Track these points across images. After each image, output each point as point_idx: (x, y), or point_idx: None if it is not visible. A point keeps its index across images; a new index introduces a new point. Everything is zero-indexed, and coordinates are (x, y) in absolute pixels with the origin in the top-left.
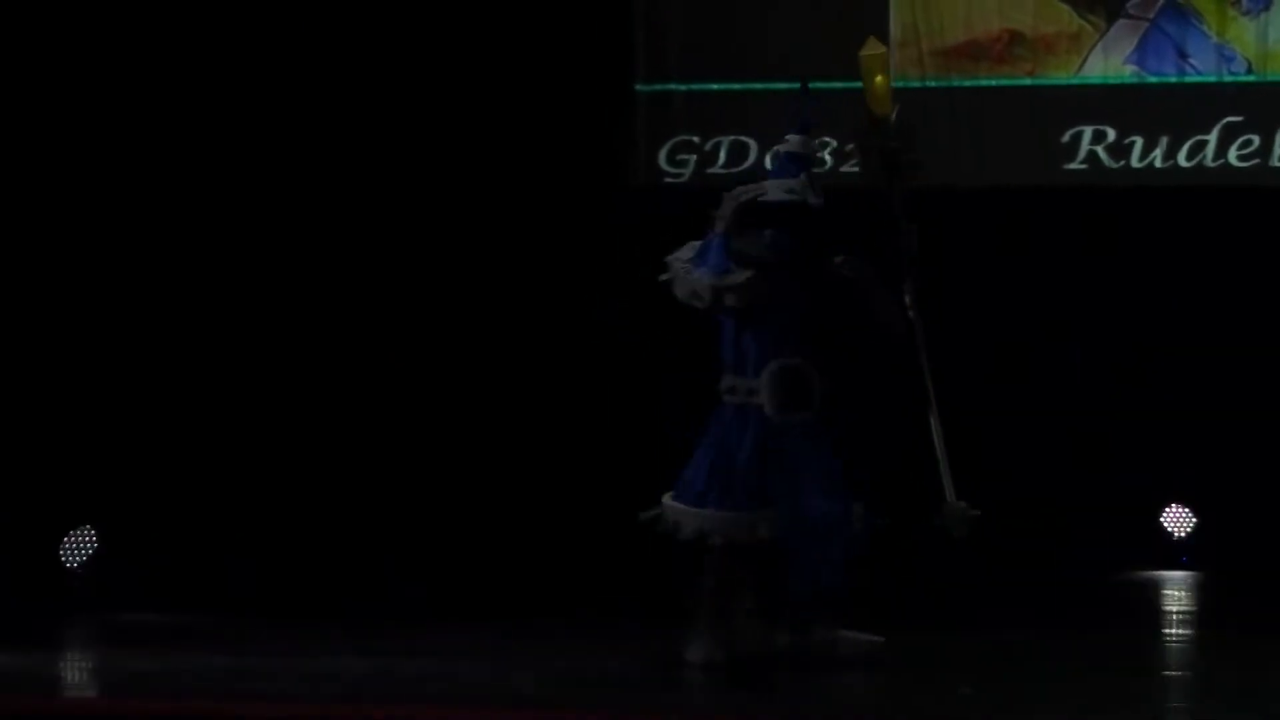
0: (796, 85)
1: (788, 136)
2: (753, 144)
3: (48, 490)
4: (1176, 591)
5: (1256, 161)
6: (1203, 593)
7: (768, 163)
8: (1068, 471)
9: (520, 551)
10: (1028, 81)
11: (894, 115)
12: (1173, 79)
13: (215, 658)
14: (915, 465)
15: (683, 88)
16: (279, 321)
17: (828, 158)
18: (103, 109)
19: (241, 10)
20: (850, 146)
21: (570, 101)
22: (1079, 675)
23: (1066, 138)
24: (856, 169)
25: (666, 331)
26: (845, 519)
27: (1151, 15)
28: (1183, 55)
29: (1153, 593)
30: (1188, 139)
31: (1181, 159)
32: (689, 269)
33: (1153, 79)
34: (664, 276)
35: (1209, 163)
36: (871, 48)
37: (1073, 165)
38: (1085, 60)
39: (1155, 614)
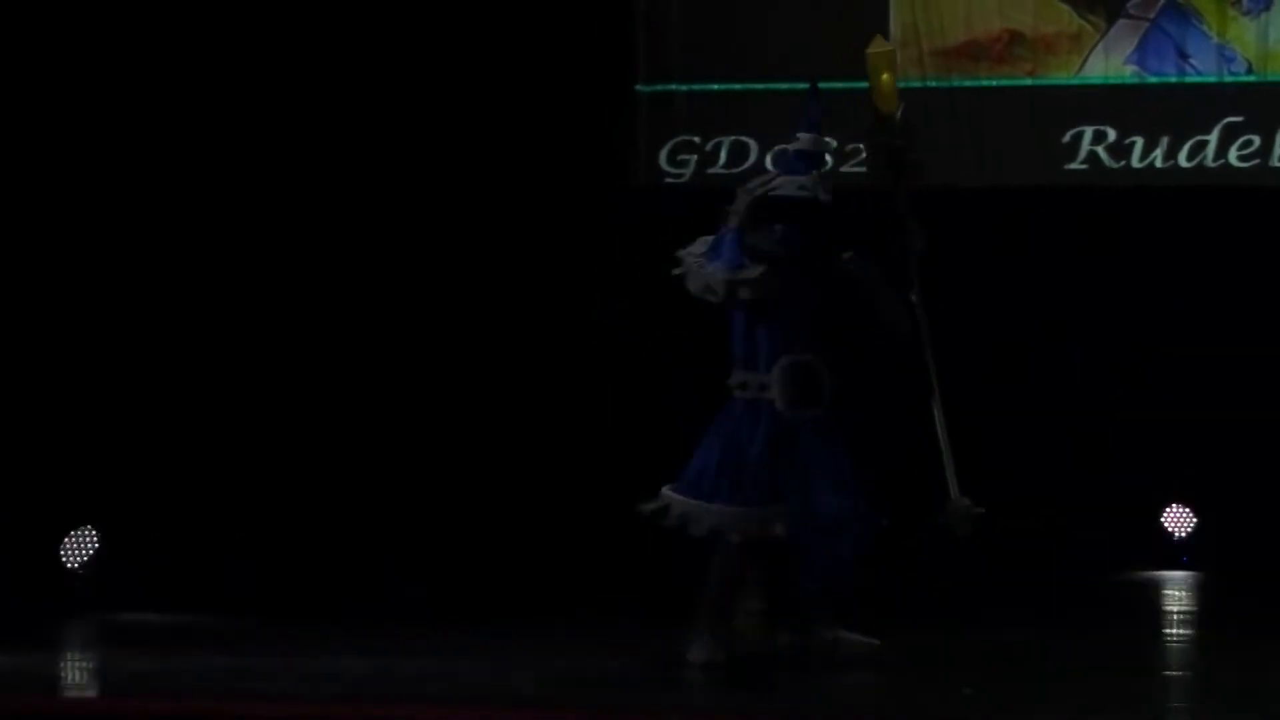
0: (797, 85)
1: (798, 135)
2: (753, 144)
3: (48, 491)
4: (1177, 591)
5: (1257, 162)
6: (1203, 593)
7: (768, 163)
8: (1068, 471)
9: (520, 551)
10: (1028, 82)
11: (899, 113)
12: (1173, 79)
13: (215, 658)
14: (918, 463)
15: (683, 88)
16: (280, 322)
17: (828, 158)
18: (103, 109)
19: (241, 10)
20: (851, 146)
21: (571, 102)
22: (1079, 675)
23: (1067, 138)
24: (860, 168)
25: (669, 330)
26: (855, 516)
27: (1152, 15)
28: (1183, 55)
29: (1153, 593)
30: (1188, 139)
31: (1182, 159)
32: (702, 264)
33: (1153, 79)
34: (677, 271)
35: (1209, 163)
36: (878, 45)
37: (1073, 165)
38: (1086, 60)
39: (1155, 614)
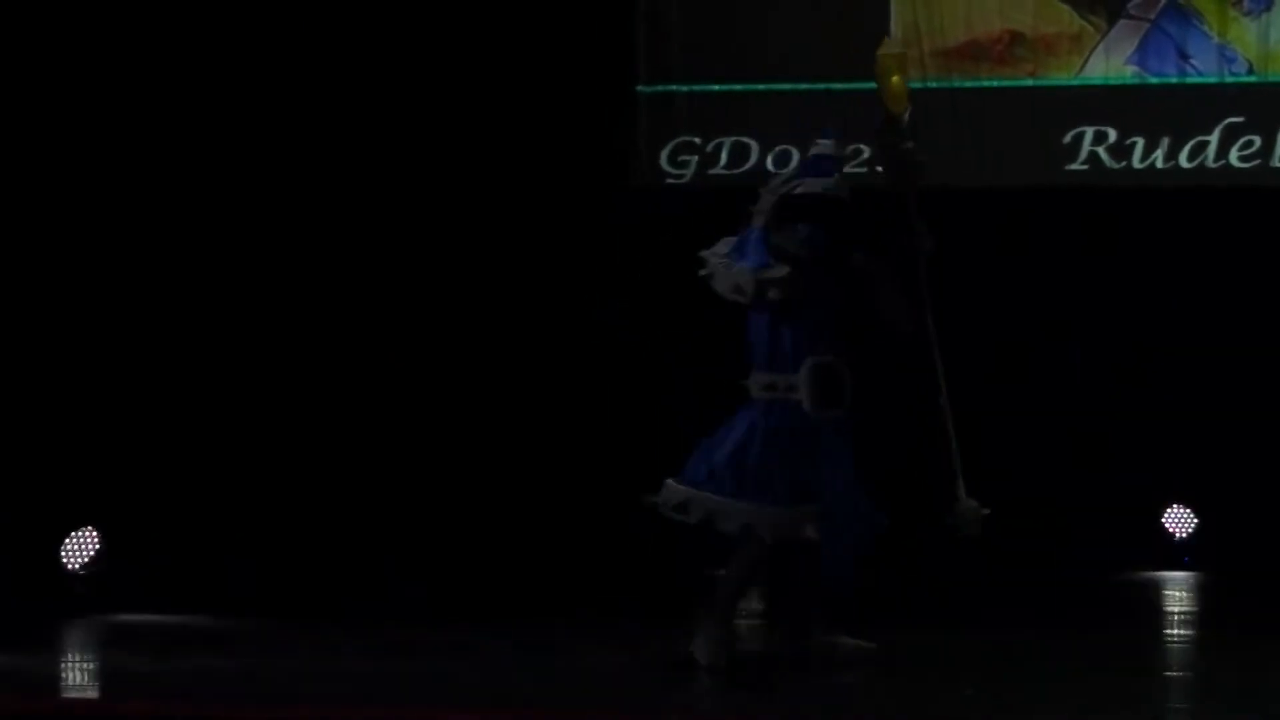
0: (798, 86)
1: (819, 140)
2: (754, 145)
3: (49, 492)
4: (1177, 592)
5: (1258, 162)
6: (1204, 593)
7: (769, 164)
8: (1068, 471)
9: (520, 551)
10: (1029, 82)
11: (907, 115)
12: (1174, 80)
13: (216, 659)
14: (918, 463)
15: (684, 89)
16: (280, 322)
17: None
18: (103, 110)
19: (241, 10)
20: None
21: (572, 102)
22: (1079, 675)
23: (1068, 138)
24: (862, 168)
25: (669, 330)
26: (859, 517)
27: (1153, 16)
28: (1184, 56)
29: (1153, 593)
30: (1189, 140)
31: (1183, 160)
32: (728, 264)
33: (1154, 80)
34: (703, 272)
35: (1210, 163)
36: (888, 47)
37: (1074, 166)
38: (1086, 61)
39: (1156, 614)
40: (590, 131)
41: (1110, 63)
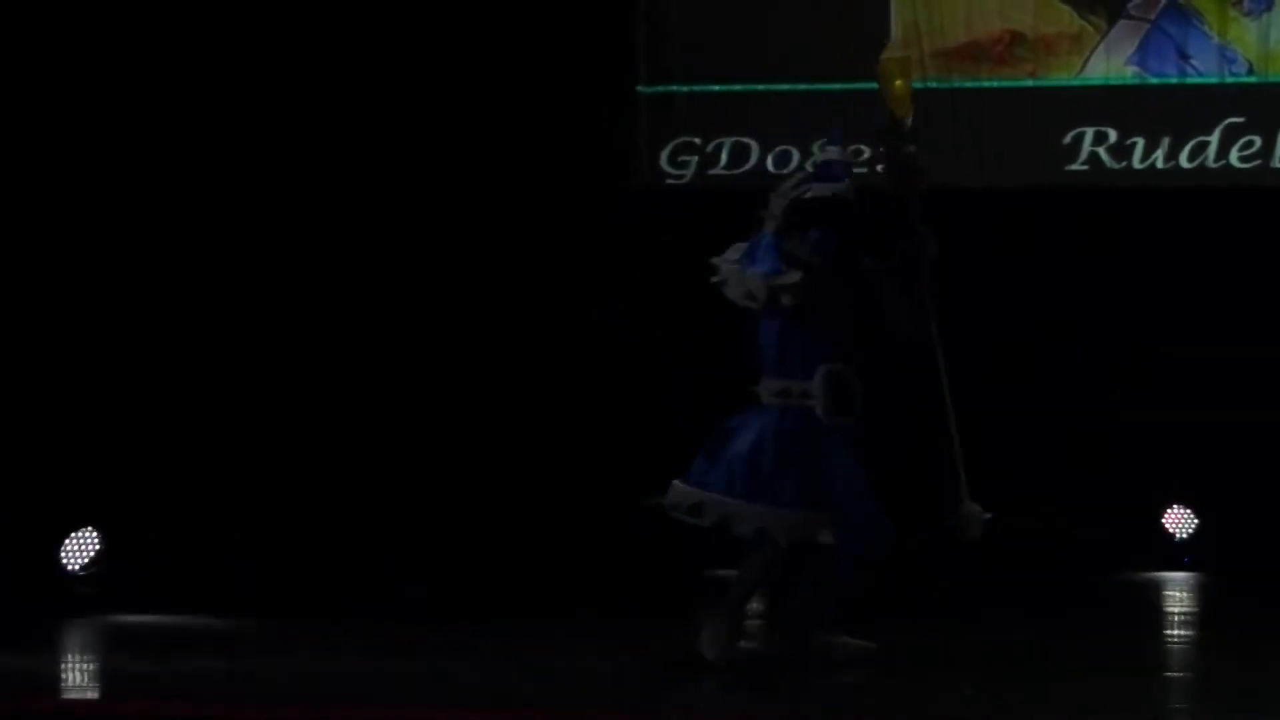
0: (798, 86)
1: (827, 146)
2: (754, 145)
3: (49, 492)
4: (1177, 592)
5: (1258, 162)
6: (1204, 593)
7: (769, 164)
8: (1068, 471)
9: (520, 551)
10: (1029, 83)
11: (910, 119)
12: (1174, 80)
13: (216, 659)
14: (919, 464)
15: (684, 89)
16: (280, 322)
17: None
18: (103, 109)
19: (241, 10)
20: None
21: (573, 103)
22: (1079, 675)
23: (1068, 139)
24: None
25: (669, 330)
26: (882, 527)
27: (1153, 16)
28: (1184, 56)
29: (1153, 593)
30: (1189, 140)
31: (1183, 160)
32: (741, 270)
33: (1154, 80)
34: (715, 279)
35: (1210, 164)
36: (891, 51)
37: (1074, 166)
38: (1087, 61)
39: (1156, 614)
40: (590, 132)
41: (1110, 63)
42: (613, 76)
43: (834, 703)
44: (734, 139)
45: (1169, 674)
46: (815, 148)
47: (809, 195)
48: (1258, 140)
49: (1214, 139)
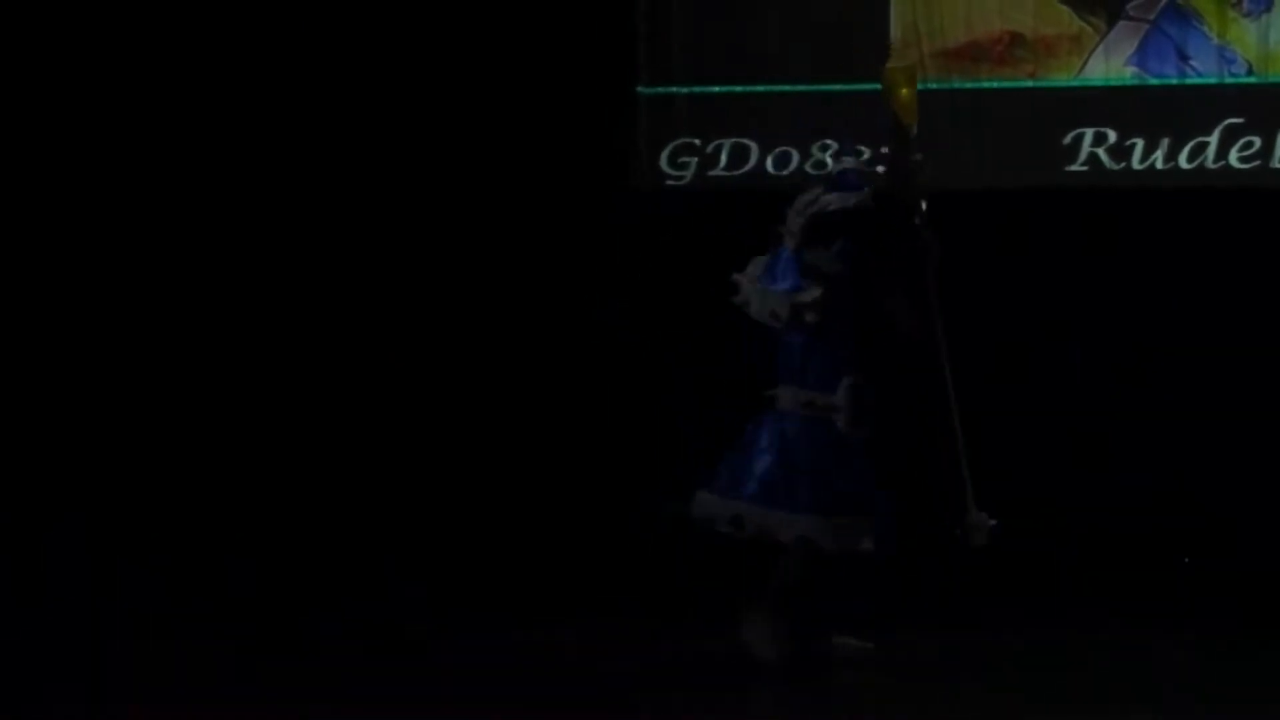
0: (798, 88)
1: (844, 157)
2: (754, 146)
3: (43, 489)
4: (1175, 591)
5: (1257, 163)
6: (1203, 593)
7: (769, 166)
8: (1068, 471)
9: (520, 551)
10: (1029, 83)
11: (915, 127)
12: (1173, 81)
13: (215, 659)
14: (918, 464)
15: (684, 90)
16: (279, 321)
17: (829, 161)
18: (102, 109)
19: (241, 10)
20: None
21: (572, 104)
22: (1078, 675)
23: (1068, 139)
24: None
25: (669, 330)
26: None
27: (1152, 17)
28: (1183, 57)
29: (1151, 593)
30: (1189, 141)
31: (1182, 161)
32: (763, 289)
33: (1153, 81)
34: (737, 299)
35: (1210, 164)
36: (897, 59)
37: (1074, 167)
38: (1086, 62)
39: (1154, 614)
40: (590, 133)
41: (1110, 64)
42: (613, 77)
43: (834, 703)
44: (734, 140)
45: (1169, 673)
46: (816, 149)
47: (831, 209)
48: (1257, 141)
49: (1213, 139)
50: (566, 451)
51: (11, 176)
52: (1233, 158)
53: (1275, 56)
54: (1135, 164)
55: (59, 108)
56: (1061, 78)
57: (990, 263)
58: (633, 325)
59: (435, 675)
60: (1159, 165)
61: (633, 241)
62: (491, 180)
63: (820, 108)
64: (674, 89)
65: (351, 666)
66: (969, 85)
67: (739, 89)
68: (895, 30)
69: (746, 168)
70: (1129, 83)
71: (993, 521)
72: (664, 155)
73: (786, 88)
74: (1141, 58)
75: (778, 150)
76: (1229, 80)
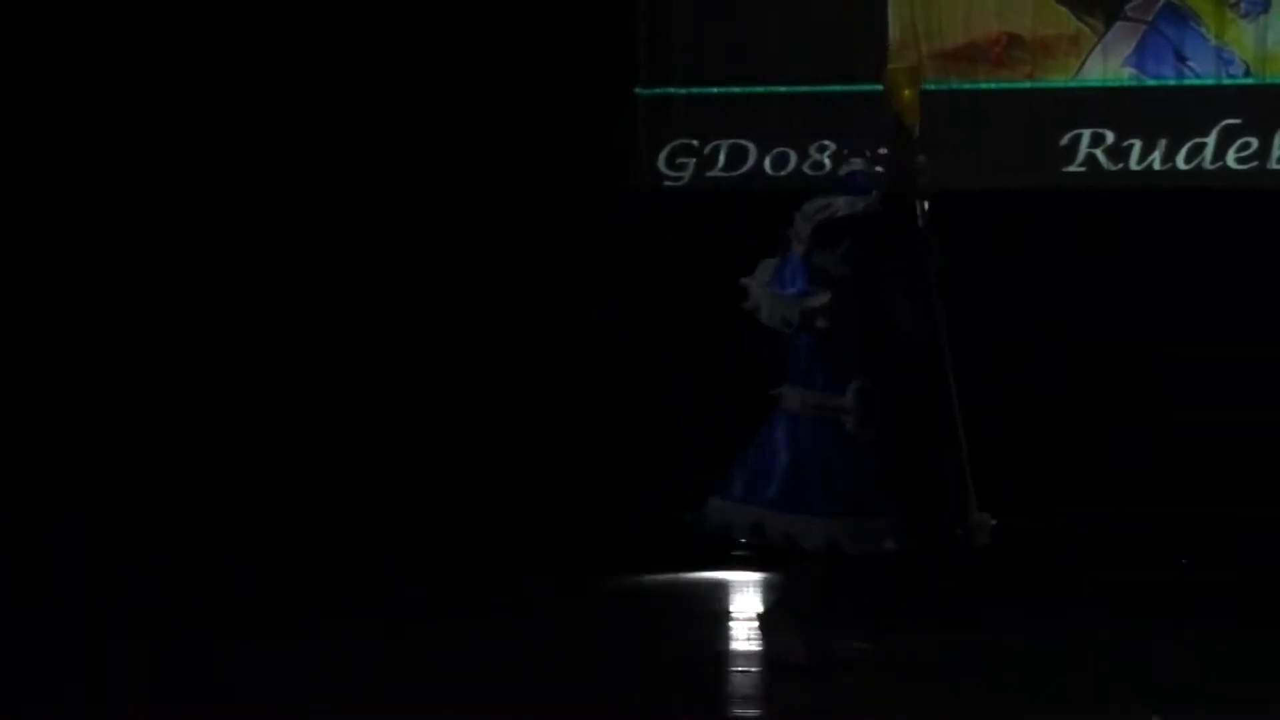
0: (796, 89)
1: (852, 159)
2: (752, 147)
3: (43, 489)
4: (1177, 591)
5: (1255, 164)
6: (1203, 592)
7: (767, 167)
8: (1067, 471)
9: (520, 551)
10: (1027, 84)
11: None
12: (1171, 82)
13: (214, 658)
14: (917, 465)
15: (682, 91)
16: (279, 321)
17: (827, 161)
18: (103, 109)
19: (241, 11)
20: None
21: (571, 105)
22: (1079, 675)
23: (1065, 140)
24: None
25: (669, 330)
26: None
27: (1150, 18)
28: (1181, 58)
29: (1153, 592)
30: (1186, 141)
31: (1180, 161)
32: (773, 294)
33: (1151, 82)
34: (747, 305)
35: (1207, 165)
36: (899, 60)
37: (1071, 168)
38: (1084, 63)
39: (1156, 614)
40: (589, 133)
41: (1108, 65)
42: (611, 78)
43: (834, 703)
44: (732, 141)
45: (1169, 673)
46: (814, 150)
47: (840, 215)
48: (1255, 142)
49: (1211, 140)
50: (566, 451)
51: (11, 176)
52: (1230, 158)
53: (1273, 57)
54: (1133, 165)
55: (59, 108)
56: (1059, 79)
57: (989, 263)
58: (633, 325)
59: (435, 675)
60: (1156, 166)
61: (633, 242)
62: (490, 180)
63: (818, 109)
64: (672, 90)
65: (351, 666)
66: (967, 86)
67: (737, 90)
68: (893, 32)
69: (744, 169)
70: (1126, 83)
71: (994, 521)
72: (662, 156)
73: (785, 89)
74: (1139, 58)
75: (775, 151)
76: (1226, 81)
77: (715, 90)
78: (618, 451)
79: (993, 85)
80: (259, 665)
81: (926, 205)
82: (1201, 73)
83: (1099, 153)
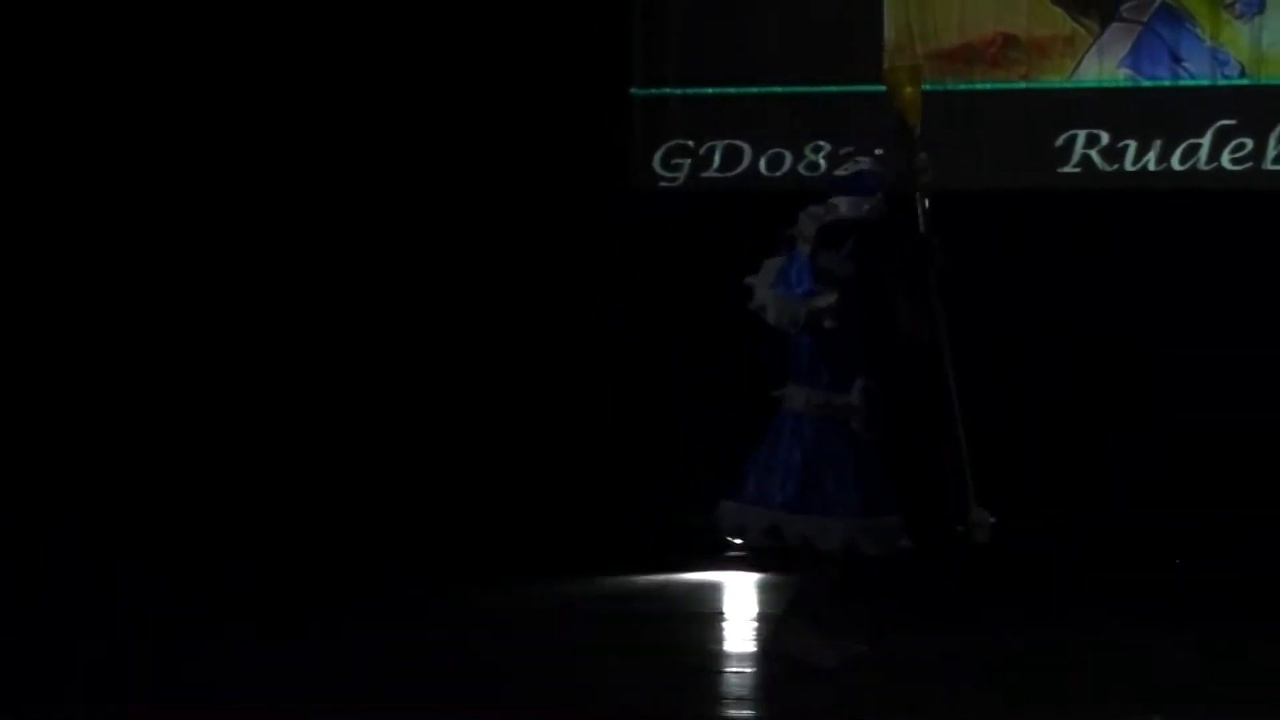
0: (792, 89)
1: (858, 158)
2: (747, 148)
3: (43, 489)
4: (1176, 591)
5: (1250, 165)
6: (1203, 592)
7: (762, 167)
8: (1065, 471)
9: (520, 551)
10: (1022, 85)
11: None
12: (1166, 82)
13: (214, 658)
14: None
15: (678, 92)
16: (279, 322)
17: (822, 162)
18: (103, 109)
19: (241, 12)
20: (844, 150)
21: (567, 105)
22: (1078, 675)
23: (1060, 141)
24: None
25: (669, 330)
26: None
27: (1145, 19)
28: (1176, 59)
29: (1153, 591)
30: (1181, 142)
31: (1175, 162)
32: (779, 295)
33: (1146, 82)
34: (753, 305)
35: (1202, 166)
36: (901, 58)
37: (1067, 169)
38: (1079, 64)
39: (1156, 613)
40: (584, 134)
41: (1103, 65)
42: (607, 79)
43: (834, 703)
44: (727, 142)
45: (1169, 673)
46: (809, 150)
47: (844, 215)
48: (1249, 143)
49: (1206, 141)
50: (567, 451)
51: (11, 176)
52: (1225, 159)
53: (1268, 58)
54: (1128, 165)
55: (59, 108)
56: (1055, 79)
57: (983, 264)
58: (627, 325)
59: (435, 675)
60: (1151, 167)
61: (633, 241)
62: (492, 180)
63: (814, 110)
64: (667, 90)
65: (351, 666)
66: (962, 87)
67: (732, 91)
68: (889, 32)
69: (739, 169)
70: (1122, 84)
71: (993, 519)
72: (657, 156)
73: (780, 90)
74: (1135, 59)
75: (771, 152)
76: (1222, 82)
77: (710, 91)
78: (617, 451)
79: (988, 86)
80: (259, 665)
81: (927, 203)
82: (1197, 73)
83: (1094, 153)
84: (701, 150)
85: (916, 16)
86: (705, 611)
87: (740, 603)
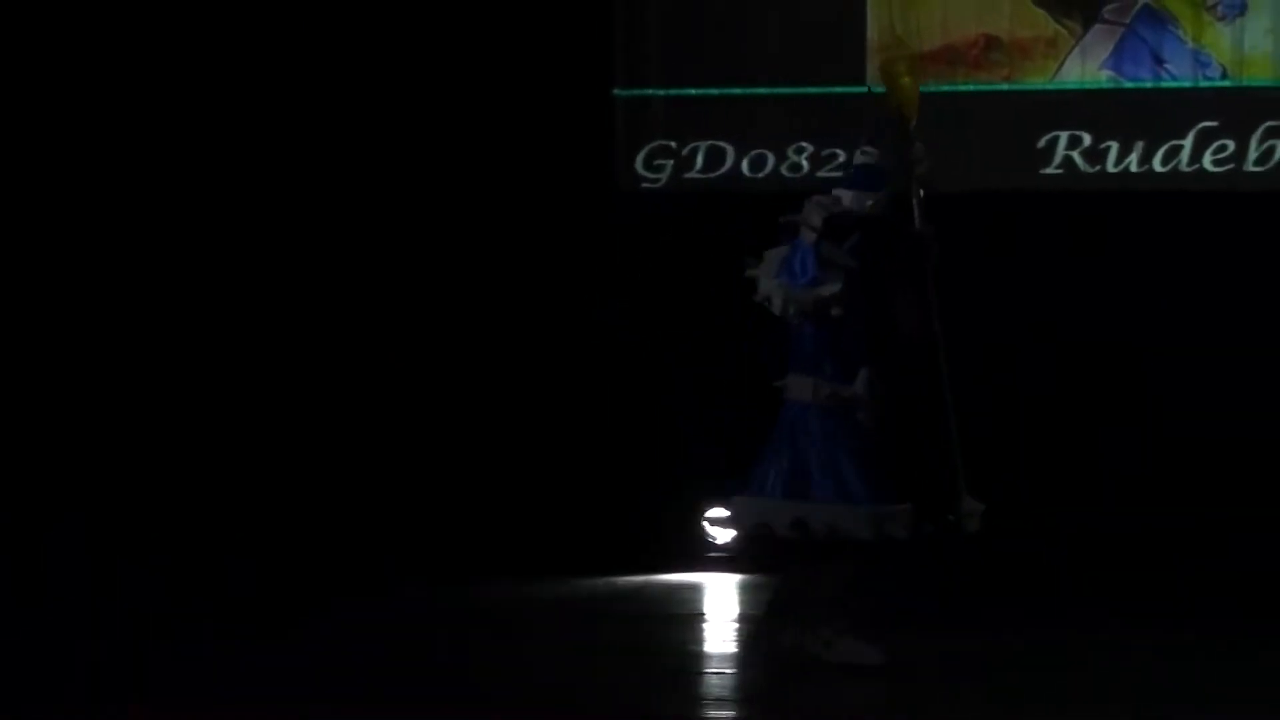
0: (775, 90)
1: (864, 149)
2: (729, 149)
3: (43, 489)
4: (1175, 591)
5: (1231, 166)
6: (1202, 592)
7: (744, 168)
8: (1059, 471)
9: (520, 551)
10: (1004, 87)
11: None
12: (1148, 84)
13: (215, 658)
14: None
15: (660, 93)
16: (279, 323)
17: (805, 163)
18: (103, 109)
19: (240, 13)
20: (827, 151)
21: (549, 106)
22: (1078, 675)
23: (1043, 143)
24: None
25: (669, 330)
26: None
27: (1128, 21)
28: (1158, 60)
29: (1152, 592)
30: (1163, 144)
31: (1157, 164)
32: (784, 285)
33: (1129, 84)
34: (758, 297)
35: (1184, 167)
36: (898, 50)
37: (1049, 170)
38: (1062, 65)
39: (1155, 613)
40: (568, 134)
41: (1085, 67)
42: (589, 80)
43: (834, 703)
44: (709, 143)
45: (1169, 673)
46: (791, 151)
47: (852, 208)
48: (1231, 144)
49: (1188, 143)
50: (566, 451)
51: (11, 176)
52: (1207, 161)
53: (1249, 60)
54: (1110, 167)
55: (59, 108)
56: (1037, 81)
57: (968, 265)
58: (633, 325)
59: (435, 675)
60: (1133, 168)
61: (632, 241)
62: (491, 179)
63: (797, 111)
64: (650, 91)
65: (351, 666)
66: (945, 88)
67: (715, 92)
68: (872, 34)
69: (722, 170)
70: (1104, 86)
71: (983, 506)
72: (640, 157)
73: (763, 91)
74: (1117, 61)
75: (754, 153)
76: (1203, 84)
77: (693, 91)
78: (617, 451)
79: (970, 87)
80: (259, 665)
81: (922, 194)
82: (1179, 75)
83: (1076, 155)
84: (684, 151)
85: (900, 17)
86: (705, 612)
87: (741, 603)
